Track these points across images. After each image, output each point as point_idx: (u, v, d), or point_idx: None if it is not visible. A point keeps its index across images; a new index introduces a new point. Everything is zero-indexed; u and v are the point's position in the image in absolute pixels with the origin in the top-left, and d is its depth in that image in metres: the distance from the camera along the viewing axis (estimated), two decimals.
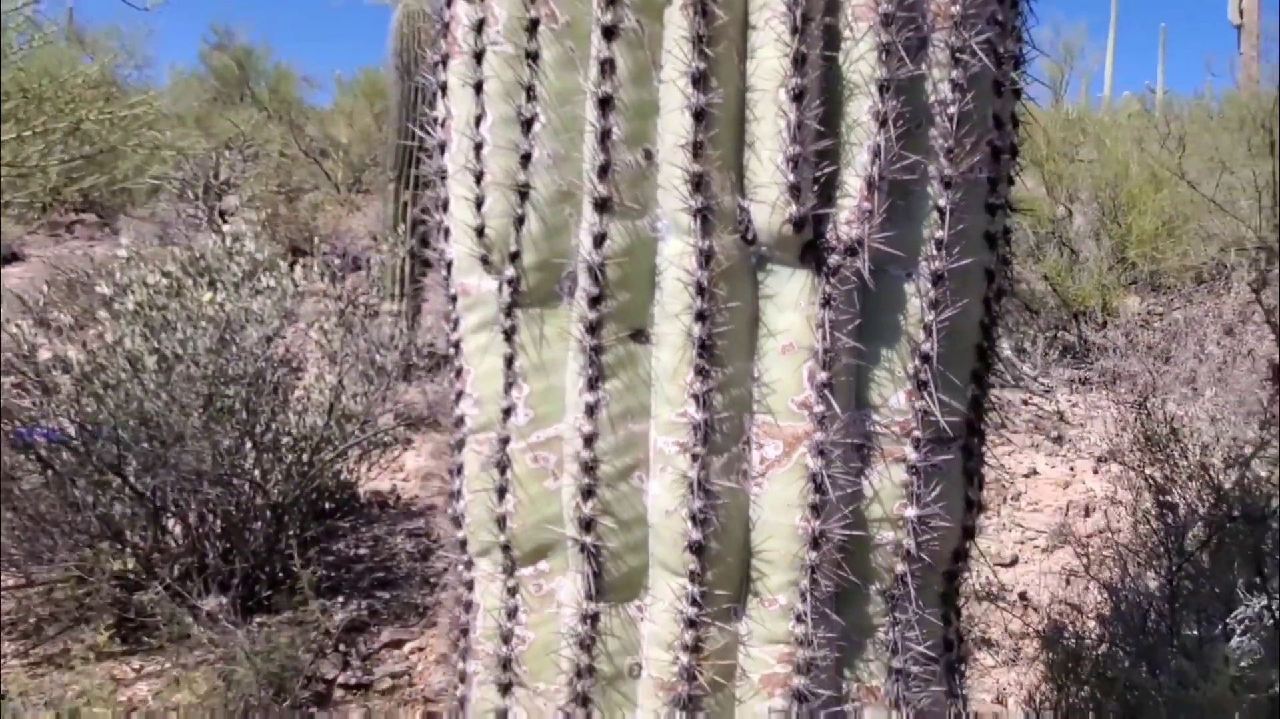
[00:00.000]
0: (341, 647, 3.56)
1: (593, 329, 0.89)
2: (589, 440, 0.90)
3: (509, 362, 0.94)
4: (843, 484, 0.89)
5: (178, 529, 3.64)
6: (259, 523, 3.68)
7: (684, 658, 0.88)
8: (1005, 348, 5.53)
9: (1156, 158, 6.77)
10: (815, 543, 0.87)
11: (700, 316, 0.87)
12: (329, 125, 8.82)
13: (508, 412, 0.95)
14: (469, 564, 1.01)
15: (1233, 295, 5.83)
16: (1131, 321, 5.64)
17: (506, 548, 0.95)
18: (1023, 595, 3.66)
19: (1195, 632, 2.13)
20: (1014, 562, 4.08)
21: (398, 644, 3.59)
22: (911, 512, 0.91)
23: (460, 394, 0.99)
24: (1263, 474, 2.38)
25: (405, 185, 4.95)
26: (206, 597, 3.48)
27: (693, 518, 0.87)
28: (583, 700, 0.90)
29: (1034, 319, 6.01)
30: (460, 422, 0.99)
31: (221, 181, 6.37)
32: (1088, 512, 4.40)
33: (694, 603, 0.88)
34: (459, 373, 0.99)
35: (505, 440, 0.95)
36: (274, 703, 3.10)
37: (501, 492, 0.95)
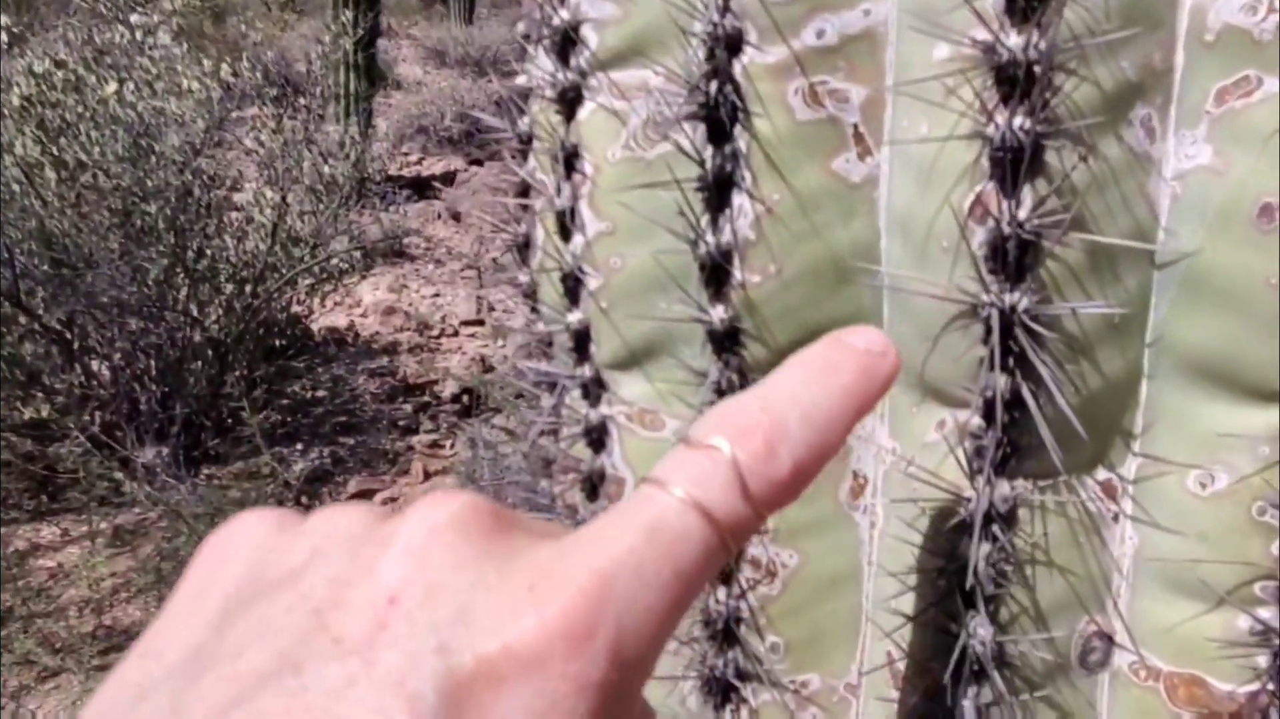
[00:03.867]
0: (304, 499, 2.96)
1: None
2: None
3: None
4: None
5: (105, 372, 2.97)
6: (199, 363, 3.01)
7: None
8: None
9: None
10: None
11: None
12: None
13: None
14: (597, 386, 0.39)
15: None
16: None
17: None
18: None
19: None
20: None
21: (367, 495, 2.99)
22: None
23: None
24: None
25: None
26: (141, 448, 2.85)
27: None
28: None
29: None
30: None
31: None
32: None
33: None
34: None
35: None
36: None
37: None
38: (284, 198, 2.99)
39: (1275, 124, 0.29)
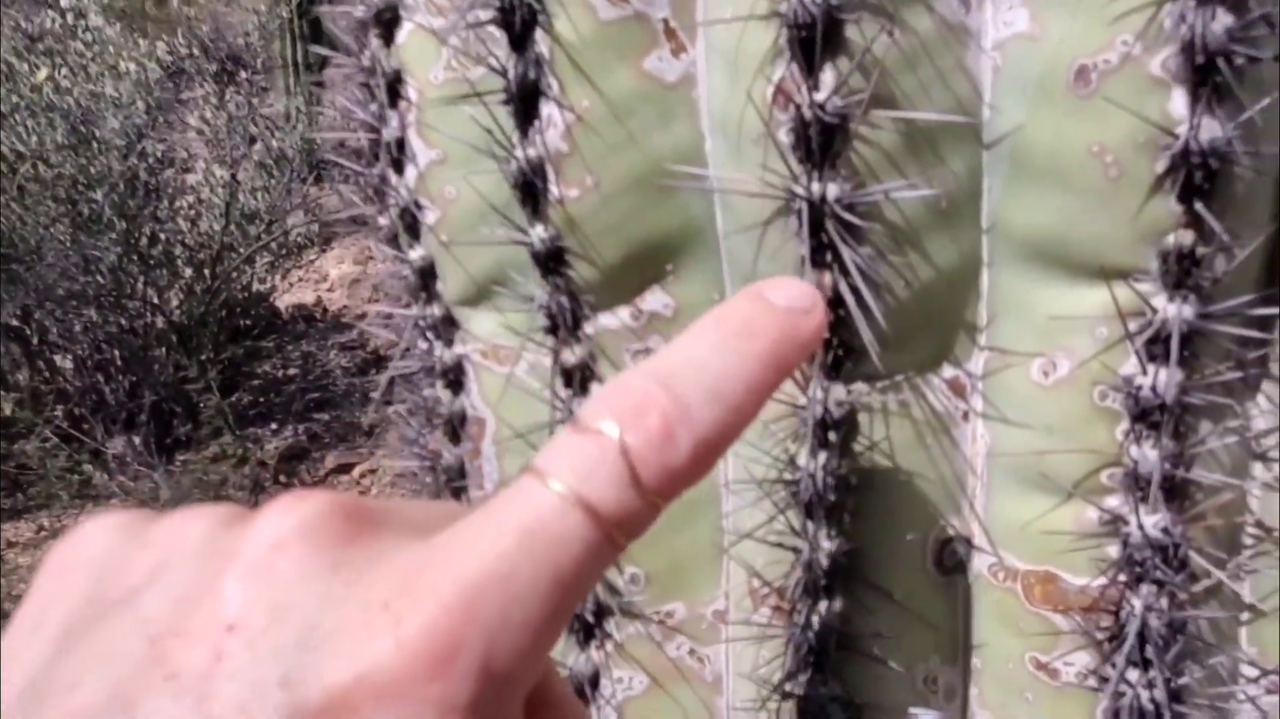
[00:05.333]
0: (282, 477, 2.95)
1: None
2: None
3: None
4: None
5: (69, 365, 2.93)
6: (163, 349, 2.98)
7: None
8: None
9: None
10: None
11: None
12: None
13: None
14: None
15: None
16: None
17: None
18: None
19: None
20: None
21: (345, 468, 2.99)
22: None
23: None
24: None
25: None
26: (110, 438, 2.82)
27: None
28: None
29: None
30: None
31: None
32: None
33: None
34: None
35: None
36: None
37: None
38: (234, 175, 2.93)
39: None
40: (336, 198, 4.00)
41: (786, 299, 0.23)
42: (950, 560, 0.32)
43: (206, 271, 2.96)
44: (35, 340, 2.76)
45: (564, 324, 0.34)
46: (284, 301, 3.61)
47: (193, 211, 3.03)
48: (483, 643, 0.18)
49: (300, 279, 3.72)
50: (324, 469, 2.97)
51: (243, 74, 2.99)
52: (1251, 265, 0.28)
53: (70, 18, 3.02)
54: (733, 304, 0.23)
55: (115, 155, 2.75)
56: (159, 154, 2.94)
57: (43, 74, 2.55)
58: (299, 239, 3.19)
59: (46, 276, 2.59)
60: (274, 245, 3.06)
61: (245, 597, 0.19)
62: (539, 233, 0.33)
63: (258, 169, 3.00)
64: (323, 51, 0.44)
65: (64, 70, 2.75)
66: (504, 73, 0.32)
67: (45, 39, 2.97)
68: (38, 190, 2.63)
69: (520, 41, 0.32)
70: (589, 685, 0.37)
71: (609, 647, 0.36)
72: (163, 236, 2.90)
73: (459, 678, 0.18)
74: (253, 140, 3.05)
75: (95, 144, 2.74)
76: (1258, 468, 0.31)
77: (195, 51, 2.91)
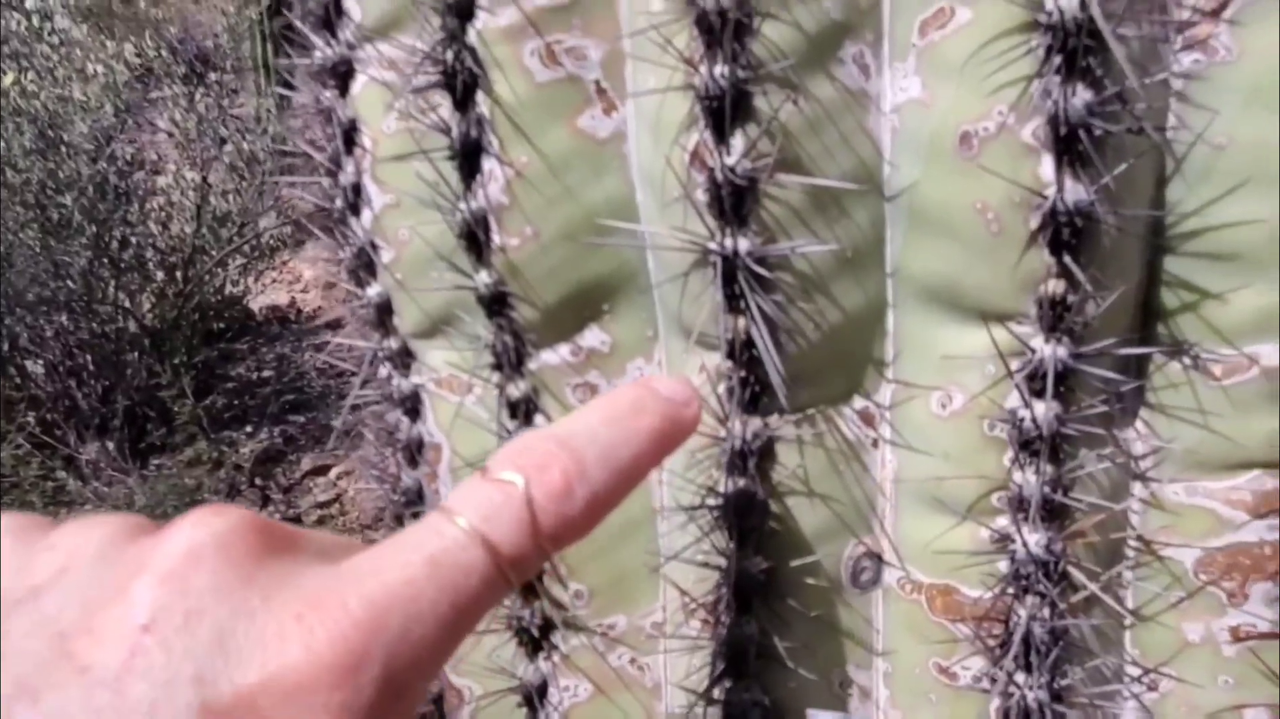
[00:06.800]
0: (258, 480, 2.96)
1: None
2: None
3: None
4: None
5: (40, 370, 2.93)
6: (136, 353, 2.98)
7: None
8: None
9: None
10: None
11: None
12: None
13: None
14: None
15: None
16: None
17: None
18: None
19: None
20: None
21: (322, 471, 3.00)
22: None
23: None
24: None
25: None
26: (84, 444, 2.82)
27: None
28: None
29: None
30: None
31: None
32: None
33: None
34: None
35: None
36: None
37: None
38: (205, 178, 2.93)
39: (967, 53, 0.30)
40: (309, 199, 4.00)
41: (669, 391, 0.27)
42: (865, 575, 0.35)
43: (178, 275, 2.96)
44: (5, 347, 2.75)
45: (508, 361, 0.37)
46: (257, 303, 3.61)
47: (163, 214, 3.03)
48: (385, 656, 0.20)
49: (274, 280, 3.72)
50: (300, 471, 2.98)
51: (212, 75, 2.99)
52: (1124, 310, 0.31)
53: (36, 20, 3.01)
54: (623, 390, 0.27)
55: (84, 159, 2.75)
56: (128, 157, 2.94)
57: (9, 79, 2.55)
58: (272, 240, 3.19)
59: (16, 282, 2.59)
60: (246, 247, 3.06)
61: (158, 601, 0.20)
62: (483, 278, 0.36)
63: (229, 171, 3.00)
64: (285, 93, 0.46)
65: (30, 74, 2.75)
66: (448, 131, 0.35)
67: (10, 42, 2.96)
68: (5, 196, 2.62)
69: (463, 103, 0.35)
70: (537, 694, 0.40)
71: (556, 658, 0.39)
72: (133, 240, 2.90)
73: (360, 687, 0.20)
74: (223, 142, 3.06)
75: (63, 148, 2.74)
76: (1137, 487, 0.34)
77: (163, 53, 2.90)
